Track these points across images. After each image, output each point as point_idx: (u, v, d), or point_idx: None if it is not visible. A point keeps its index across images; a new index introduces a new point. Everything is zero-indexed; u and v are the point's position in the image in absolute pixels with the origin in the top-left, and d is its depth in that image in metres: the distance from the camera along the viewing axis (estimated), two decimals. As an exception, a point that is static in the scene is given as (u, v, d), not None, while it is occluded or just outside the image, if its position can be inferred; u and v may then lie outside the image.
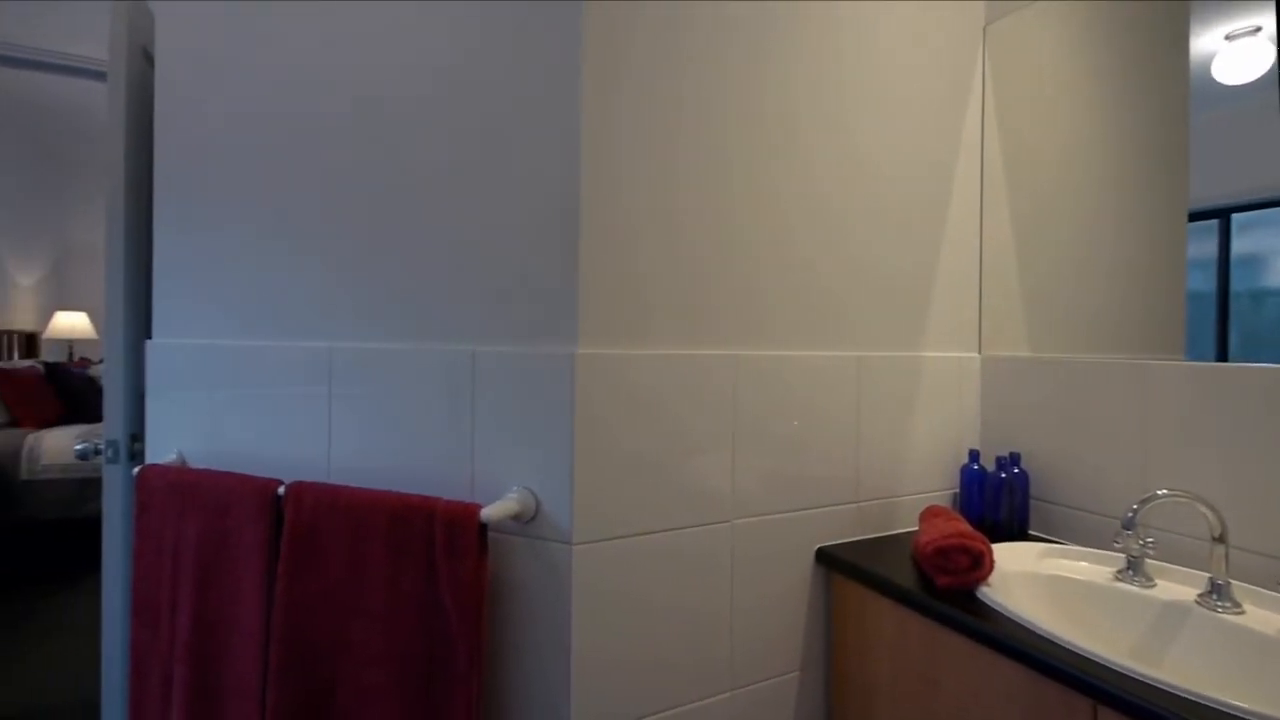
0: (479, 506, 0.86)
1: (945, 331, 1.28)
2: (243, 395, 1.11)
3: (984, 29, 1.32)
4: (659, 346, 0.96)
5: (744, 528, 1.03)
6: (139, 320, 1.34)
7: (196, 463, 1.13)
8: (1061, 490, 1.17)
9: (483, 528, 0.85)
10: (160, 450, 1.17)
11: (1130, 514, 0.87)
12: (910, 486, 1.21)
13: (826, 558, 1.09)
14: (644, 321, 0.95)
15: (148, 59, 1.38)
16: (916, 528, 1.16)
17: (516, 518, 0.90)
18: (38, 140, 4.59)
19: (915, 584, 0.96)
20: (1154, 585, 0.92)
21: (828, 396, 1.12)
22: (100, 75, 1.92)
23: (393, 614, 0.88)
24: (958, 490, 1.26)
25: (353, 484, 0.98)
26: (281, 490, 0.97)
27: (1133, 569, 0.94)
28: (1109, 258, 1.13)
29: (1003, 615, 0.85)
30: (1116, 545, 0.93)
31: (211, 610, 0.99)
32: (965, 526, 1.00)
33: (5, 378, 3.37)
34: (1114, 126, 1.13)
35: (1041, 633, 0.79)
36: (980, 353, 1.33)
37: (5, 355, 4.16)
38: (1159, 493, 0.88)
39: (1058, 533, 1.17)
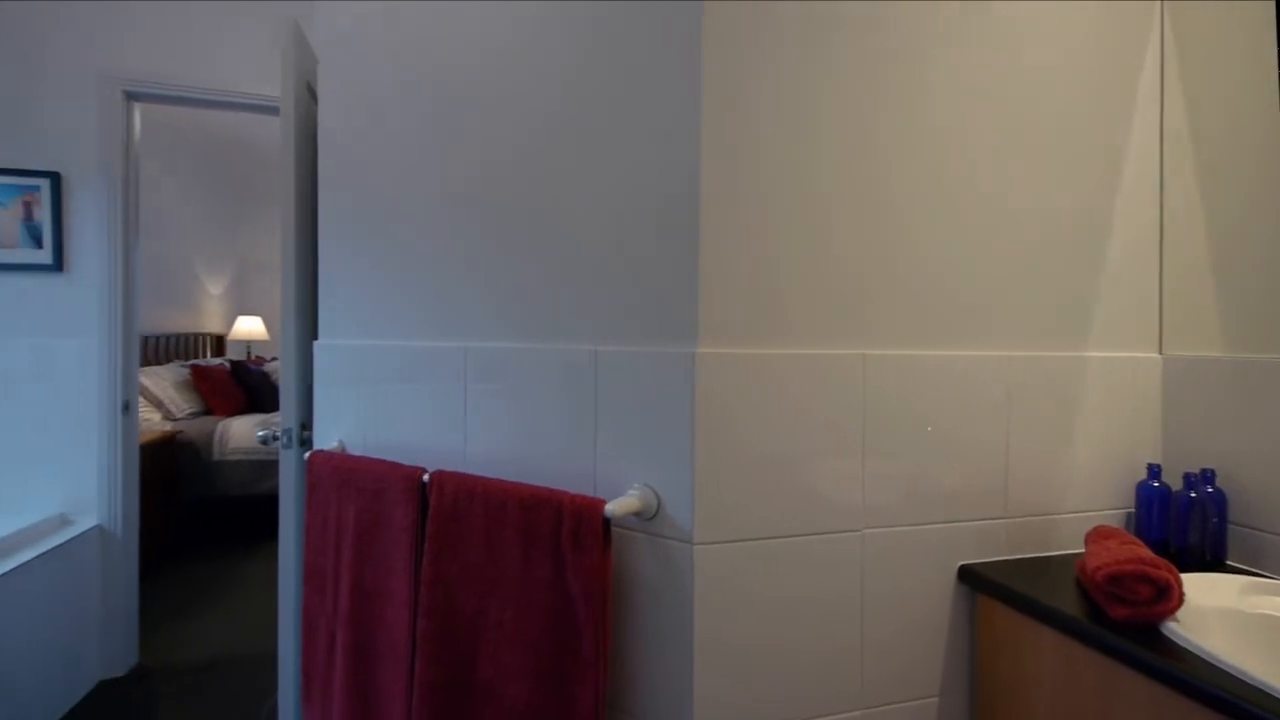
0: (603, 502, 0.88)
1: (1116, 328, 1.13)
2: (391, 390, 1.22)
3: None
4: (783, 345, 0.93)
5: (876, 538, 0.97)
6: (307, 323, 1.51)
7: (354, 450, 1.26)
8: (1272, 516, 0.98)
9: (606, 522, 0.87)
10: (325, 438, 1.32)
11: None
12: (1072, 504, 1.08)
13: (971, 577, 0.99)
14: (768, 320, 0.92)
15: (311, 94, 1.55)
16: (1080, 550, 1.03)
17: (638, 514, 0.91)
18: (223, 170, 5.37)
19: (1082, 613, 0.85)
20: None
21: (971, 401, 1.02)
22: (273, 110, 2.20)
23: (525, 597, 0.92)
24: (1133, 510, 1.10)
25: (486, 474, 1.04)
26: (426, 477, 1.05)
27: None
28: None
29: (1199, 657, 0.73)
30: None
31: (368, 581, 1.10)
32: (1146, 552, 0.87)
33: (200, 373, 3.97)
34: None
35: (1255, 683, 0.67)
36: (1161, 353, 1.15)
37: (200, 354, 4.90)
38: None
39: (1266, 565, 0.98)
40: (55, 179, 2.07)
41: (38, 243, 2.07)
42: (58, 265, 2.08)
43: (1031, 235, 1.07)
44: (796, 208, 0.94)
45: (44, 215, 2.06)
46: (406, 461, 1.12)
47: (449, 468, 1.08)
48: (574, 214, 1.01)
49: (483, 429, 1.09)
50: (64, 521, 2.06)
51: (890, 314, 0.99)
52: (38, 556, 1.82)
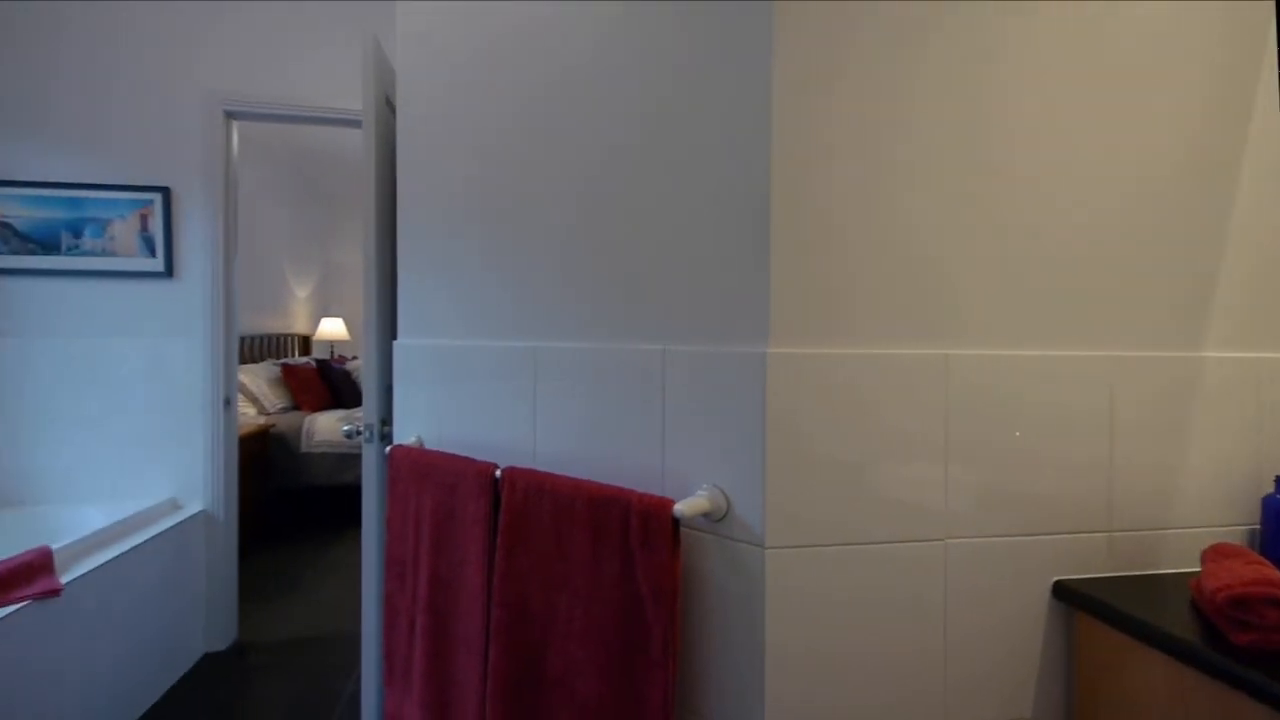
0: (671, 501, 0.87)
1: (1238, 326, 1.02)
2: (465, 388, 1.26)
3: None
4: (859, 345, 0.90)
5: (961, 548, 0.91)
6: (387, 324, 1.59)
7: (431, 445, 1.31)
8: None
9: (675, 522, 0.87)
10: (404, 433, 1.38)
11: None
12: (1184, 518, 0.98)
13: (1068, 593, 0.92)
14: (843, 319, 0.89)
15: (390, 107, 1.63)
16: (1195, 569, 0.94)
17: (707, 515, 0.90)
18: (309, 181, 5.73)
19: (1198, 637, 0.77)
20: None
21: (1068, 405, 0.95)
22: (355, 123, 2.32)
23: (594, 593, 0.93)
24: (1257, 526, 0.99)
25: (555, 471, 1.06)
26: (498, 473, 1.08)
27: None
28: None
29: (1346, 696, 0.65)
30: None
31: (444, 571, 1.14)
32: (1274, 573, 0.79)
33: (289, 371, 4.25)
34: None
35: None
36: (1291, 353, 1.04)
37: (289, 353, 5.25)
38: None
39: None
40: (166, 193, 2.26)
41: (151, 251, 2.27)
42: (168, 272, 2.28)
43: (1140, 225, 0.98)
44: (873, 202, 0.90)
45: (156, 226, 2.26)
46: (480, 457, 1.16)
47: (520, 464, 1.10)
48: (641, 214, 1.01)
49: (552, 427, 1.11)
50: (174, 506, 2.26)
51: (977, 312, 0.93)
52: (153, 538, 2.01)
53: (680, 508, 0.86)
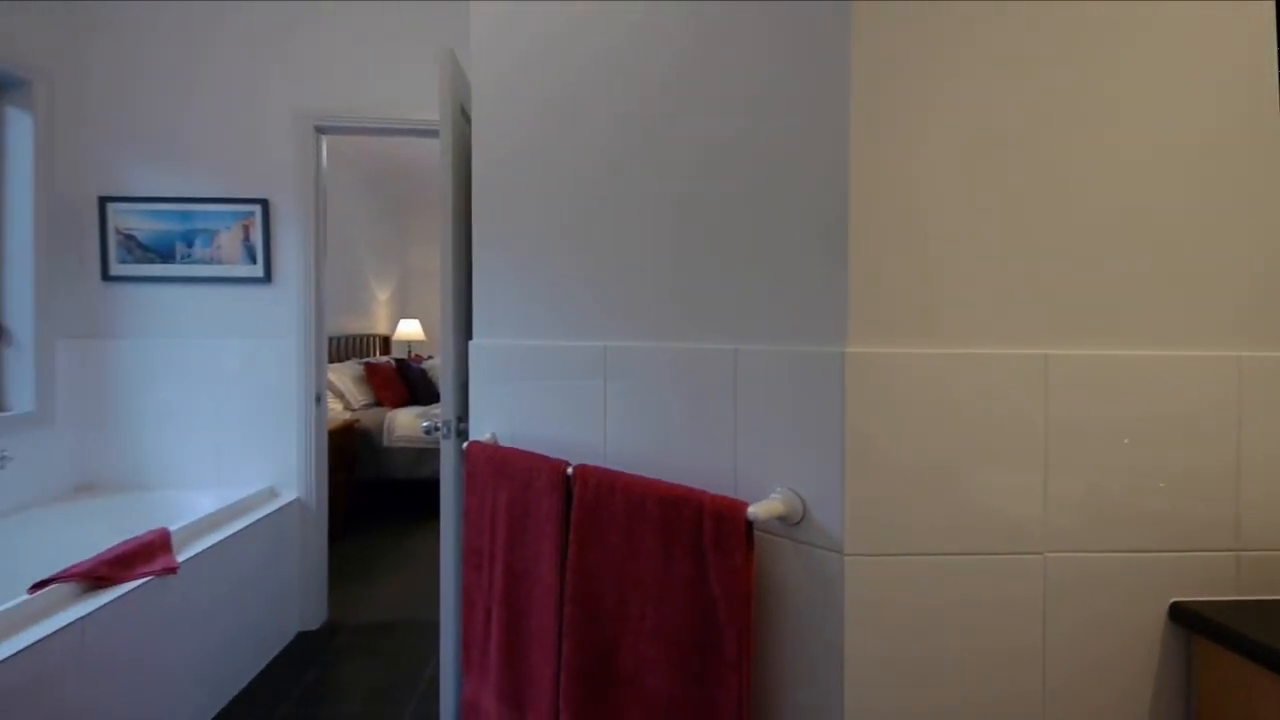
0: (745, 504, 0.86)
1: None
2: (537, 386, 1.28)
3: None
4: (948, 345, 0.85)
5: (1061, 564, 0.85)
6: (463, 325, 1.64)
7: (505, 441, 1.35)
8: None
9: (748, 524, 0.85)
10: (479, 429, 1.42)
11: None
12: (1331, 537, 0.87)
13: (1189, 616, 0.84)
14: (929, 317, 0.85)
15: (465, 117, 1.68)
16: (1344, 596, 0.83)
17: (782, 519, 0.88)
18: (387, 187, 6.04)
19: (1353, 676, 0.68)
20: None
21: (1187, 409, 0.86)
22: (430, 133, 2.42)
23: (665, 593, 0.93)
24: None
25: (625, 469, 1.06)
26: (570, 470, 1.09)
27: None
28: None
29: None
30: None
31: (519, 565, 1.17)
32: None
33: (371, 370, 4.50)
34: None
35: None
36: None
37: (370, 353, 5.56)
38: None
39: None
40: (265, 204, 2.44)
41: (252, 259, 2.46)
42: (267, 277, 2.46)
43: (1272, 212, 0.88)
44: (961, 189, 0.85)
45: (257, 235, 2.45)
46: (552, 454, 1.18)
47: (591, 462, 1.11)
48: (716, 213, 0.99)
49: (622, 426, 1.12)
50: (272, 494, 2.44)
51: (1080, 309, 0.86)
52: (254, 523, 2.17)
53: (754, 510, 0.84)
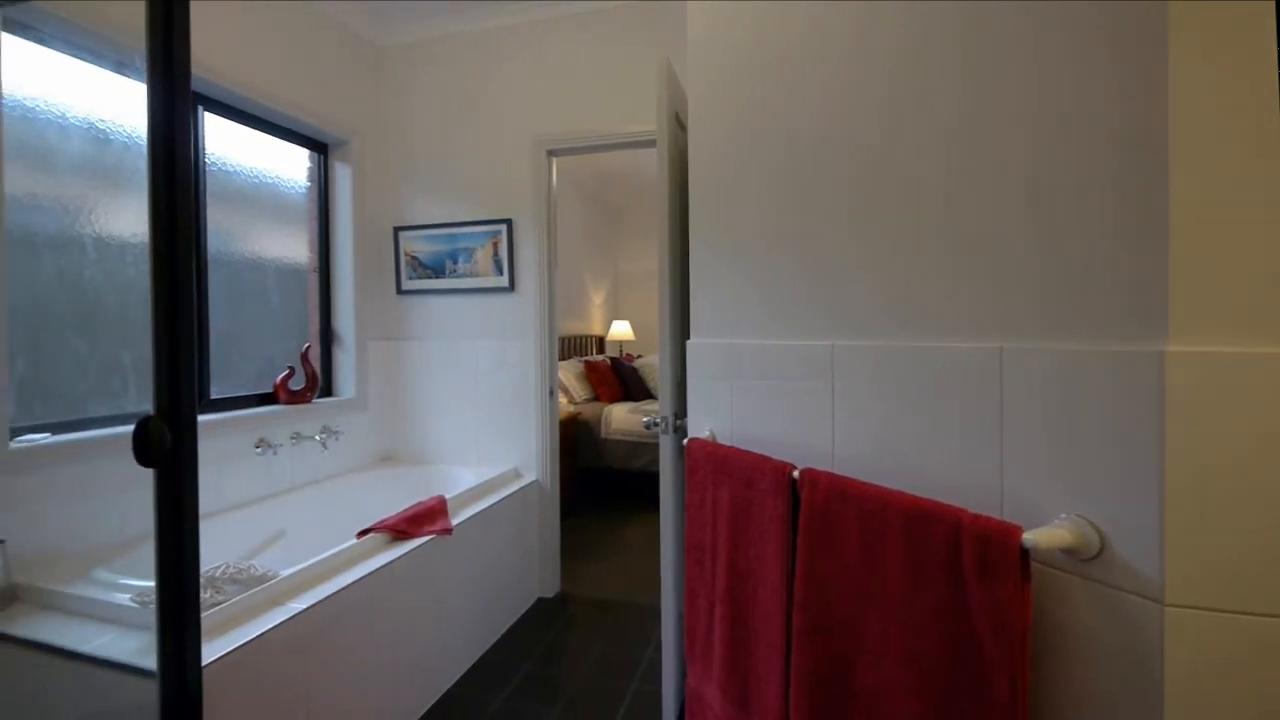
0: (1018, 528, 0.74)
1: None
2: (757, 386, 1.27)
3: None
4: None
5: None
6: (680, 325, 1.70)
7: (723, 439, 1.36)
8: None
9: (1024, 553, 0.73)
10: (697, 426, 1.46)
11: None
12: None
13: None
14: (1292, 298, 0.64)
15: (680, 126, 1.73)
16: None
17: (1070, 551, 0.74)
18: (603, 198, 6.54)
19: None
20: None
21: None
22: (645, 144, 2.55)
23: (911, 615, 0.85)
24: None
25: (855, 475, 1.00)
26: (795, 473, 1.06)
27: None
28: None
29: None
30: None
31: (741, 563, 1.17)
32: None
33: (590, 367, 4.93)
34: None
35: None
36: None
37: (588, 352, 6.09)
38: None
39: None
40: (509, 224, 2.82)
41: (500, 271, 2.85)
42: (511, 286, 2.83)
43: None
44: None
45: (503, 250, 2.84)
46: (773, 455, 1.16)
47: (815, 465, 1.07)
48: (975, 184, 0.88)
49: (851, 430, 1.05)
50: (516, 475, 2.80)
51: None
52: (505, 498, 2.52)
53: (1034, 537, 0.72)
